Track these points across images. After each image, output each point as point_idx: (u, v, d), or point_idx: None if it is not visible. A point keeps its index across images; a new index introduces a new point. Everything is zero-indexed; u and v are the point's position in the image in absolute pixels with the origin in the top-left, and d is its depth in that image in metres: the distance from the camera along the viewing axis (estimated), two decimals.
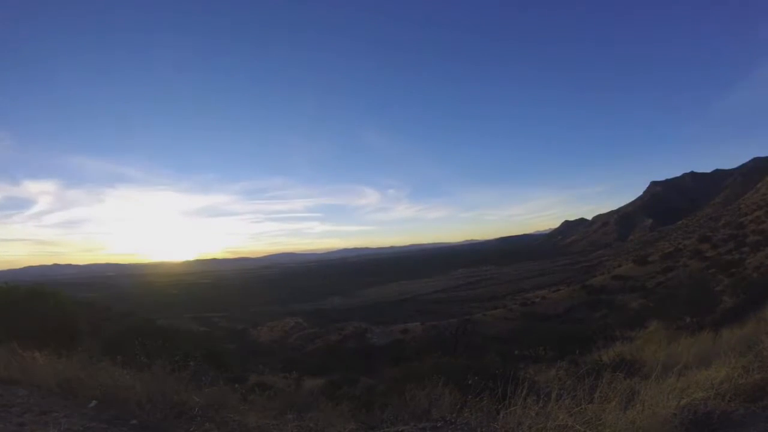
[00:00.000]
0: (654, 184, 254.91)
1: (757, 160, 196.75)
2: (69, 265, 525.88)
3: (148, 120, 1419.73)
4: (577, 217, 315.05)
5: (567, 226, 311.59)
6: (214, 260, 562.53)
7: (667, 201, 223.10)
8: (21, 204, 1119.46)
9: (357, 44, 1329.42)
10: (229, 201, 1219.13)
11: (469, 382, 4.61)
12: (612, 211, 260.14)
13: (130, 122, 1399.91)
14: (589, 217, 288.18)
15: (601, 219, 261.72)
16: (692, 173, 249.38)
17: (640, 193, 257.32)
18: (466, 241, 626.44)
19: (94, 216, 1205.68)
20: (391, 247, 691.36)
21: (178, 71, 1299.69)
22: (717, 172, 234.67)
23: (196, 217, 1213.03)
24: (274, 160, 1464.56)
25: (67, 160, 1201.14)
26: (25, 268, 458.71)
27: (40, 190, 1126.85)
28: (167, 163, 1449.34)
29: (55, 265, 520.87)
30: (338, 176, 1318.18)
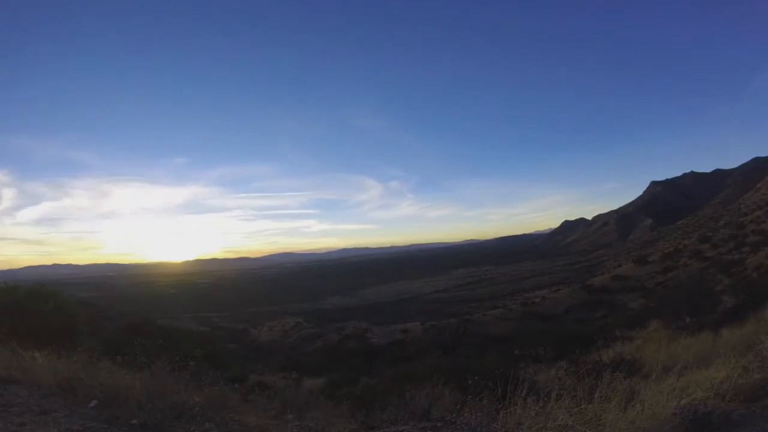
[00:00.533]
0: (654, 184, 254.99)
1: (757, 160, 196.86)
2: (69, 265, 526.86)
3: (99, 96, 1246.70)
4: (577, 217, 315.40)
5: (567, 226, 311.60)
6: (214, 260, 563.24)
7: (667, 201, 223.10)
8: None
9: (359, 32, 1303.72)
10: (209, 194, 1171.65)
11: (469, 382, 4.61)
12: (612, 211, 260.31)
13: (77, 98, 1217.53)
14: (589, 217, 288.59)
15: (601, 219, 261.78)
16: (692, 173, 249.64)
17: (640, 193, 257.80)
18: (466, 240, 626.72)
19: (71, 212, 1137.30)
20: (392, 247, 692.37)
21: (139, 49, 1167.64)
22: (717, 172, 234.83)
23: (183, 214, 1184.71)
24: (260, 145, 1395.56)
25: (9, 142, 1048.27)
26: (25, 268, 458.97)
27: None
28: (127, 146, 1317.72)
29: (55, 265, 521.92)
30: (336, 166, 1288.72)
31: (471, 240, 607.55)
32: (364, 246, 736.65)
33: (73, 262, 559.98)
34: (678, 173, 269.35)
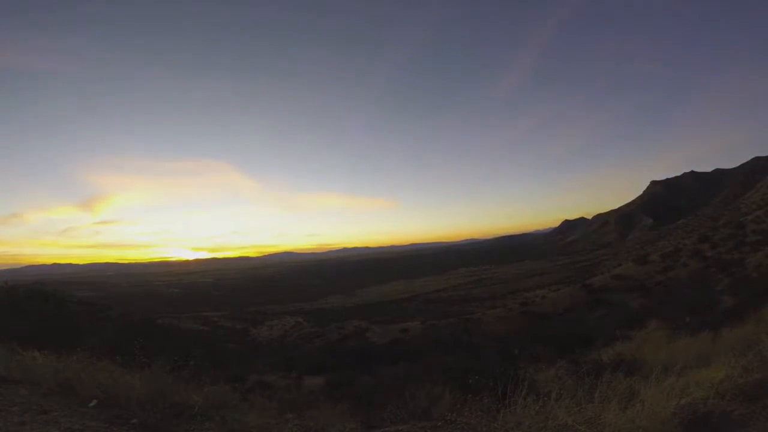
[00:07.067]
0: (654, 183, 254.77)
1: (757, 160, 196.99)
2: (69, 265, 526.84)
3: None
4: (577, 217, 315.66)
5: (567, 225, 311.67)
6: (214, 259, 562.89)
7: (667, 201, 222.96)
8: None
9: None
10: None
11: (469, 381, 4.62)
12: (612, 210, 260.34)
13: None
14: (589, 217, 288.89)
15: (601, 218, 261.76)
16: (692, 173, 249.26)
17: (640, 192, 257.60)
18: (466, 240, 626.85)
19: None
20: (391, 247, 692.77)
21: None
22: (717, 171, 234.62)
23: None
24: None
25: None
26: (24, 267, 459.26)
27: None
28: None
29: (55, 265, 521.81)
30: None
31: (471, 240, 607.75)
32: (364, 246, 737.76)
33: (73, 262, 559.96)
34: (678, 173, 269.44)
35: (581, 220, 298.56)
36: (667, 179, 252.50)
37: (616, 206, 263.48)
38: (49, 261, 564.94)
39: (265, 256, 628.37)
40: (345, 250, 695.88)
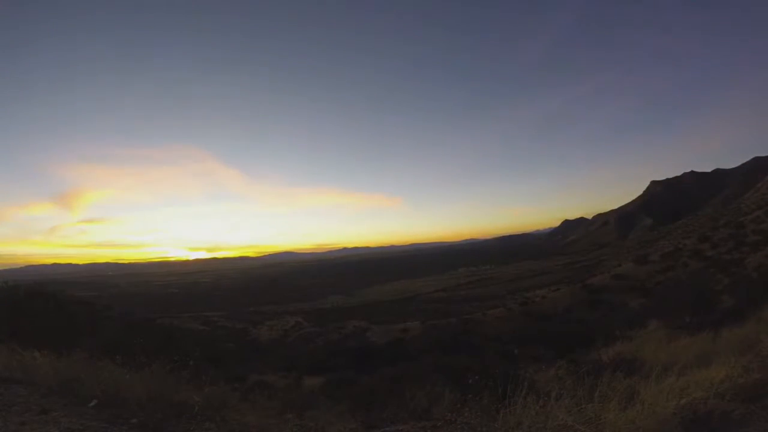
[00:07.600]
0: (654, 183, 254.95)
1: (757, 160, 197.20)
2: (69, 264, 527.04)
3: None
4: (577, 217, 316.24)
5: (567, 225, 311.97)
6: (213, 259, 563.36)
7: (667, 201, 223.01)
8: None
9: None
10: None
11: (469, 381, 4.61)
12: (612, 210, 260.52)
13: None
14: (589, 217, 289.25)
15: (601, 218, 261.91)
16: (692, 173, 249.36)
17: (640, 192, 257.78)
18: (467, 240, 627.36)
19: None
20: (391, 247, 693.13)
21: None
22: (717, 171, 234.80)
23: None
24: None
25: None
26: (24, 266, 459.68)
27: None
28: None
29: (55, 264, 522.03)
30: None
31: (471, 239, 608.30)
32: (364, 246, 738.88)
33: (73, 262, 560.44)
34: (678, 173, 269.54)
35: (581, 220, 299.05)
36: (667, 179, 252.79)
37: (616, 206, 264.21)
38: (49, 261, 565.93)
39: (264, 256, 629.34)
40: (345, 250, 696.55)
